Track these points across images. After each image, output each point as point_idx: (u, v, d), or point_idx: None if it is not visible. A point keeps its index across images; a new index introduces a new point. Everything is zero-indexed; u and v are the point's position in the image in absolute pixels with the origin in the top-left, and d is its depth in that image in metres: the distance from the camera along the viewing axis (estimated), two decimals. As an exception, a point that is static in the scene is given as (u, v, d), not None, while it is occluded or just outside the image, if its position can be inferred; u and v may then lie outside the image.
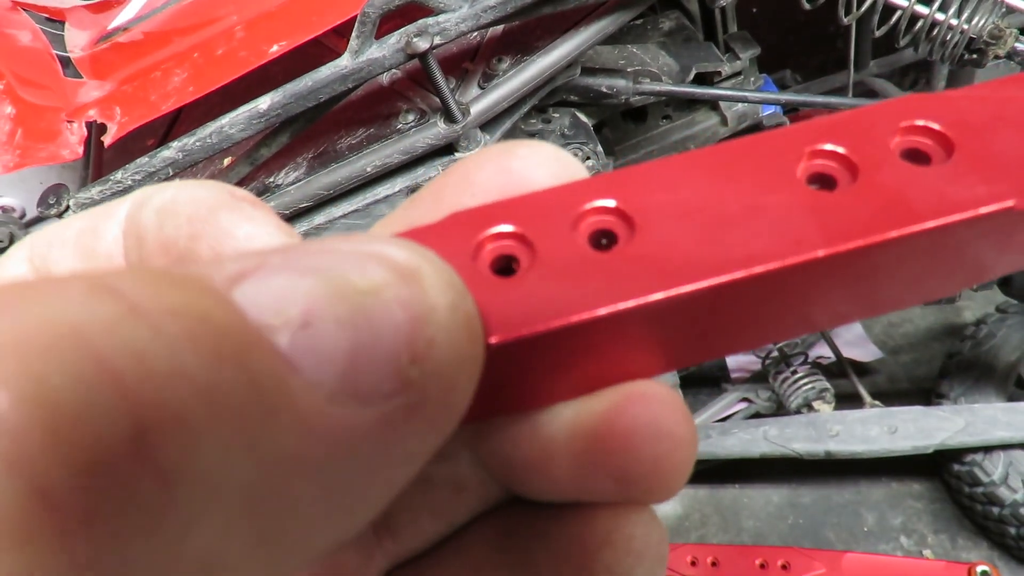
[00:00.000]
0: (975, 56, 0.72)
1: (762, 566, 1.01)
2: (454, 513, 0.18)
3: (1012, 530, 0.99)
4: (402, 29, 0.57)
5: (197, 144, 0.59)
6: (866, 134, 0.16)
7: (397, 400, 0.11)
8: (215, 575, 0.10)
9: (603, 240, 0.16)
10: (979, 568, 0.85)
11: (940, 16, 0.74)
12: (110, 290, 0.09)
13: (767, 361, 1.14)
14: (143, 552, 0.09)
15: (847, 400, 1.13)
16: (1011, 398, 1.06)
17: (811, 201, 0.15)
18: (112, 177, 0.61)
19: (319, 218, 0.65)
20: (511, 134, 0.72)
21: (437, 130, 0.62)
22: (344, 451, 0.11)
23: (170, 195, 0.15)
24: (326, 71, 0.58)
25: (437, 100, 0.62)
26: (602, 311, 0.14)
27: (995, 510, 0.99)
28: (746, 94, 0.82)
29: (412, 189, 0.63)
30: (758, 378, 1.19)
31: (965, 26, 0.73)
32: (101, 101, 0.66)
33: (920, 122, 0.16)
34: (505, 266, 0.16)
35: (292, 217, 0.65)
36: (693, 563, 1.04)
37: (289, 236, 0.15)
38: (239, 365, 0.10)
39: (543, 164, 0.16)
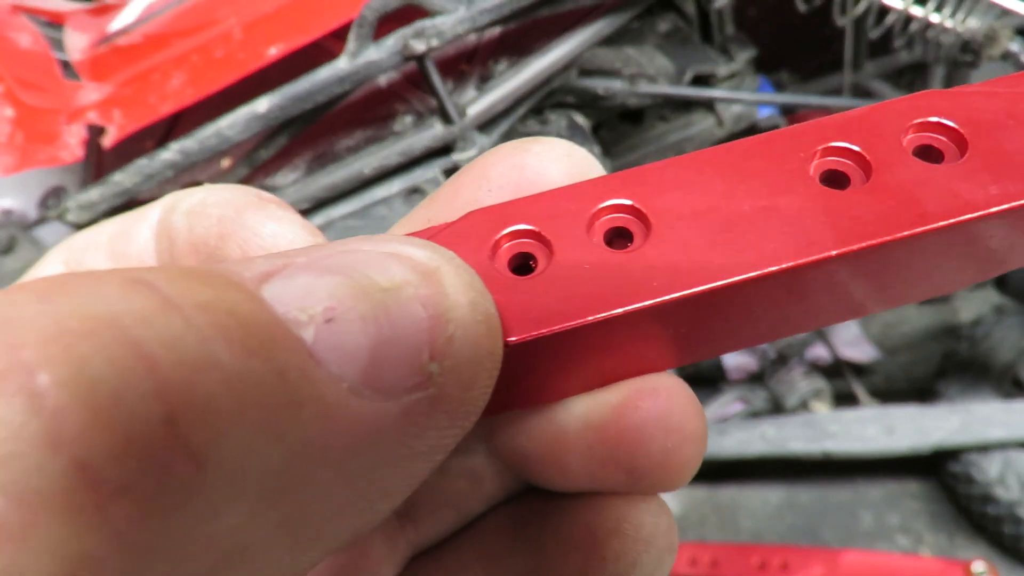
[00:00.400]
0: (970, 58, 0.73)
1: (760, 565, 1.01)
2: (471, 503, 0.19)
3: (1009, 529, 0.99)
4: (399, 31, 0.58)
5: (196, 146, 0.60)
6: (879, 131, 0.16)
7: (418, 395, 0.11)
8: (240, 557, 0.10)
9: (619, 239, 0.16)
10: (976, 566, 0.86)
11: (935, 18, 0.75)
12: (145, 283, 0.10)
13: (764, 362, 1.14)
14: (174, 528, 0.09)
15: (844, 400, 1.14)
16: (1008, 398, 1.06)
17: (824, 201, 0.15)
18: (111, 178, 0.61)
19: (317, 219, 0.66)
20: (508, 136, 0.72)
21: (434, 132, 0.62)
22: (366, 442, 0.11)
23: (199, 198, 0.15)
24: (324, 73, 0.58)
25: (434, 102, 0.62)
26: (619, 311, 0.14)
27: (992, 509, 1.00)
28: (743, 95, 0.82)
29: (410, 191, 0.63)
30: (755, 378, 1.20)
31: (960, 28, 0.73)
32: (100, 103, 0.66)
33: (933, 119, 0.16)
34: (522, 264, 0.16)
35: (290, 218, 0.65)
36: (692, 563, 1.04)
37: (313, 235, 0.15)
38: (266, 357, 0.10)
39: (557, 160, 0.16)
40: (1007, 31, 0.71)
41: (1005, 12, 0.73)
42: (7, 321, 0.09)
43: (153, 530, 0.09)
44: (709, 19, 0.97)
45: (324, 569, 0.18)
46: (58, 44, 0.78)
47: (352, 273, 0.11)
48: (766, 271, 0.15)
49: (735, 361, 1.27)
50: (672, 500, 1.25)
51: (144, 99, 0.65)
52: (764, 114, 0.96)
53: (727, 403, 1.19)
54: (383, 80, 0.69)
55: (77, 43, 0.77)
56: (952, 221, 0.15)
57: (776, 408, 1.15)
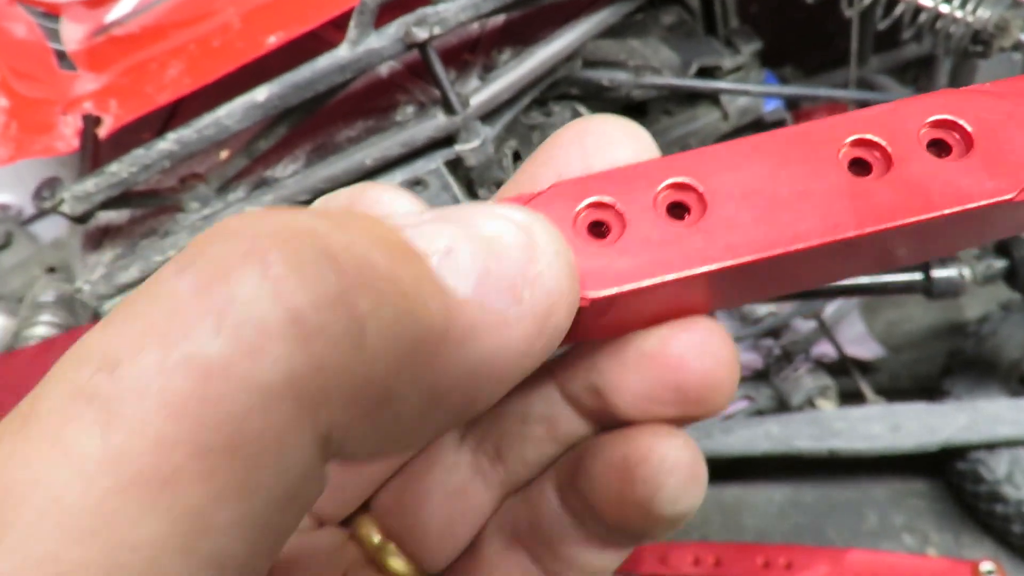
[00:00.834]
0: (980, 48, 0.72)
1: (765, 565, 1.00)
2: (548, 446, 0.23)
3: (1017, 528, 0.98)
4: (401, 19, 0.57)
5: (194, 135, 0.58)
6: (900, 125, 0.19)
7: (514, 311, 0.15)
8: (388, 400, 0.14)
9: (678, 212, 0.19)
10: (984, 566, 0.85)
11: (944, 8, 0.74)
12: (324, 213, 0.14)
13: (769, 359, 1.13)
14: (353, 362, 0.13)
15: (850, 398, 1.12)
16: (1015, 395, 1.05)
17: (849, 186, 0.19)
18: (107, 169, 0.60)
19: (317, 212, 0.64)
20: (512, 127, 0.71)
21: (437, 122, 0.61)
22: (471, 338, 0.15)
23: (331, 195, 0.20)
24: (324, 61, 0.57)
25: (436, 92, 0.61)
26: (677, 275, 0.18)
27: (999, 508, 0.98)
28: (749, 87, 0.81)
29: (412, 182, 0.62)
30: (760, 376, 1.19)
31: (970, 18, 0.72)
32: (96, 93, 0.65)
33: (947, 116, 0.19)
34: (598, 231, 0.19)
35: (290, 210, 0.64)
36: (696, 562, 1.03)
37: (421, 204, 0.19)
38: (406, 266, 0.14)
39: (626, 138, 0.20)
40: (1019, 21, 0.70)
41: (1016, 2, 0.72)
42: (247, 224, 0.13)
43: (334, 361, 0.13)
44: (714, 12, 0.96)
45: (434, 508, 0.23)
46: (54, 35, 0.77)
47: (465, 224, 0.15)
48: (799, 247, 0.18)
49: (740, 359, 1.26)
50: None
51: (141, 89, 0.64)
52: (770, 107, 0.95)
53: (732, 401, 1.18)
54: (384, 70, 0.68)
55: (74, 33, 0.75)
56: (951, 211, 0.18)
57: (781, 406, 1.14)
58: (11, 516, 0.11)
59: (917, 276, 0.76)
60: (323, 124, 0.66)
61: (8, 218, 1.16)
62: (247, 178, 0.66)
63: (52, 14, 0.81)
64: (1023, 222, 0.20)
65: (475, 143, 0.61)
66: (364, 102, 0.66)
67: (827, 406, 1.06)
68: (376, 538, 0.24)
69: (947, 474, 1.08)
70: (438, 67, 0.58)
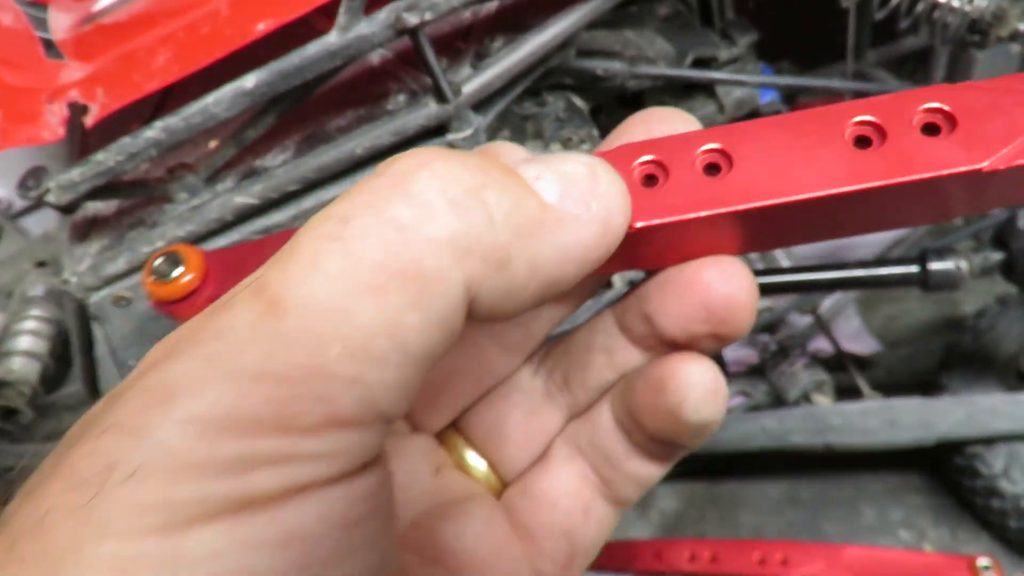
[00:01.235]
0: (977, 38, 0.71)
1: (761, 561, 0.99)
2: (606, 373, 0.28)
3: (1013, 523, 0.97)
4: (391, 4, 0.56)
5: (181, 123, 0.58)
6: (898, 111, 0.23)
7: (587, 214, 0.22)
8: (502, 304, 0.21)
9: (713, 170, 0.24)
10: (980, 561, 0.84)
11: (941, -2, 0.73)
12: (463, 151, 0.22)
13: (765, 354, 1.12)
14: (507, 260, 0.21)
15: (846, 393, 1.12)
16: (1012, 390, 1.05)
17: (850, 156, 0.23)
18: (94, 158, 0.59)
19: (308, 202, 0.63)
20: (505, 117, 0.70)
21: (428, 111, 0.60)
22: (558, 229, 0.21)
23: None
24: (313, 48, 0.56)
25: (428, 80, 0.60)
26: (706, 213, 0.23)
27: (996, 503, 0.98)
28: (744, 78, 0.80)
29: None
30: (756, 371, 1.18)
31: (967, 7, 0.71)
32: (83, 82, 0.64)
33: (937, 105, 0.23)
34: (649, 181, 0.25)
35: (280, 201, 0.63)
36: (691, 558, 1.02)
37: (526, 152, 0.26)
38: (515, 180, 0.21)
39: (679, 121, 0.27)
40: (1016, 10, 0.70)
41: (1014, -8, 0.71)
42: (418, 151, 0.21)
43: (475, 229, 0.20)
44: (710, 4, 0.95)
45: (512, 425, 0.29)
46: (41, 23, 0.76)
47: (548, 163, 0.22)
48: (801, 197, 0.23)
49: (735, 354, 1.25)
50: (672, 495, 1.24)
51: (128, 77, 0.63)
52: (766, 99, 0.95)
53: (729, 397, 1.17)
54: (375, 58, 0.67)
55: (61, 22, 0.74)
56: (928, 175, 0.22)
57: (777, 401, 1.13)
58: (289, 304, 0.18)
59: (913, 269, 0.75)
60: (313, 113, 0.66)
61: (-2, 212, 1.15)
62: (236, 168, 0.65)
63: (39, 3, 0.80)
64: (996, 194, 0.23)
65: (467, 132, 0.60)
66: (355, 91, 0.65)
67: (823, 401, 1.06)
68: (462, 446, 0.30)
69: (944, 469, 1.07)
70: (429, 54, 0.57)
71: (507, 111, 0.69)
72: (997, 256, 0.78)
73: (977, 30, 0.70)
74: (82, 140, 0.64)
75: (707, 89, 0.86)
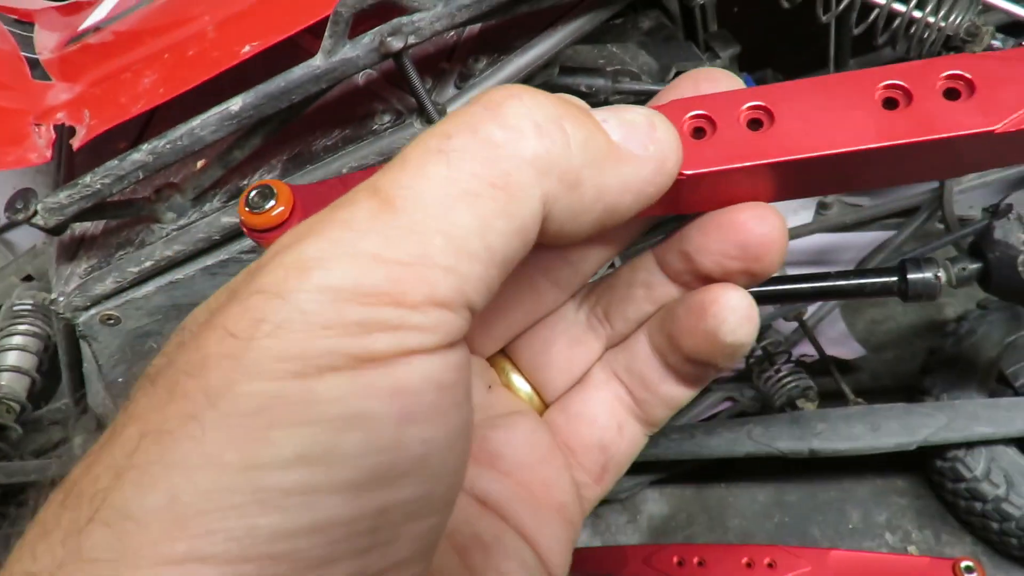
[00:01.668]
0: (953, 54, 0.72)
1: (748, 565, 1.00)
2: (646, 305, 0.31)
3: (995, 525, 0.99)
4: (376, 28, 0.56)
5: (168, 146, 0.58)
6: (924, 77, 0.26)
7: (645, 154, 0.25)
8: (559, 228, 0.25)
9: (755, 125, 0.27)
10: (963, 563, 0.85)
11: (917, 14, 0.75)
12: (550, 94, 0.25)
13: (751, 360, 1.14)
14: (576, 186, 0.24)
15: (831, 398, 1.13)
16: (993, 394, 1.06)
17: (878, 116, 0.26)
18: (81, 180, 0.59)
19: (295, 221, 0.64)
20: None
21: (413, 131, 0.61)
22: (622, 162, 0.25)
23: None
24: (299, 71, 0.57)
25: (413, 100, 0.61)
26: (747, 164, 0.26)
27: (978, 505, 0.99)
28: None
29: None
30: (742, 377, 1.19)
31: (942, 24, 0.73)
32: (69, 103, 0.65)
33: (959, 71, 0.26)
34: (699, 133, 0.27)
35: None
36: (680, 563, 1.03)
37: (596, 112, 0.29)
38: (588, 117, 0.25)
39: (725, 80, 0.29)
40: (990, 27, 0.71)
41: (987, 8, 0.72)
42: (507, 86, 0.24)
43: (554, 152, 0.23)
44: (693, 16, 0.96)
45: (556, 351, 0.33)
46: (28, 43, 0.76)
47: (616, 111, 0.26)
48: (832, 152, 0.26)
49: (722, 360, 1.26)
50: (661, 500, 1.25)
51: (115, 99, 0.63)
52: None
53: (715, 403, 1.19)
54: (361, 78, 0.67)
55: (47, 42, 0.75)
56: (947, 135, 0.25)
57: (764, 407, 1.14)
58: (400, 203, 0.21)
59: (892, 279, 0.76)
60: (299, 133, 0.66)
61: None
62: (223, 188, 0.66)
63: (26, 21, 0.81)
64: (1008, 152, 0.26)
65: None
66: (340, 111, 0.66)
67: (808, 407, 1.07)
68: (510, 369, 0.33)
69: (927, 471, 1.09)
70: (414, 76, 0.58)
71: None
72: (974, 266, 0.80)
73: (952, 46, 0.72)
74: (68, 160, 0.64)
75: (690, 102, 0.87)
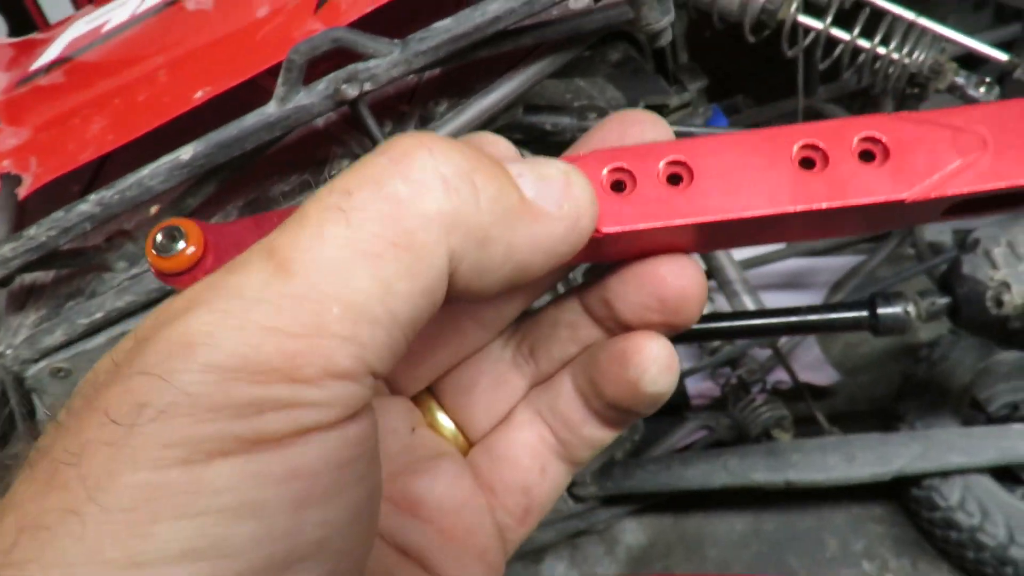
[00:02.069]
0: (917, 91, 0.72)
1: (726, 598, 0.99)
2: (569, 346, 0.31)
3: (970, 554, 0.99)
4: (331, 75, 0.55)
5: (116, 197, 0.56)
6: (840, 137, 0.26)
7: (559, 212, 0.24)
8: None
9: (675, 180, 0.27)
10: (940, 595, 0.85)
11: (882, 50, 0.75)
12: (461, 144, 0.24)
13: (726, 388, 1.13)
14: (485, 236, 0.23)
15: (807, 423, 1.13)
16: (966, 419, 1.06)
17: (795, 176, 0.26)
18: (26, 233, 0.57)
19: (252, 268, 0.62)
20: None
21: (373, 176, 0.59)
22: (534, 220, 0.24)
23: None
24: (251, 119, 0.55)
25: (372, 145, 0.60)
26: (665, 224, 0.26)
27: (953, 535, 0.99)
28: (691, 129, 0.81)
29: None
30: (718, 405, 1.19)
31: (906, 60, 0.73)
32: (16, 150, 0.63)
33: (874, 134, 0.26)
34: (617, 187, 0.27)
35: (223, 268, 0.62)
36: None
37: (518, 154, 0.28)
38: (501, 171, 0.24)
39: (651, 126, 0.29)
40: (953, 64, 0.71)
41: (951, 45, 0.73)
42: (415, 134, 0.23)
43: (462, 208, 0.23)
44: (663, 48, 0.96)
45: (481, 390, 0.32)
46: (-25, 84, 0.73)
47: (531, 165, 0.25)
48: (747, 215, 0.26)
49: (698, 387, 1.25)
50: (639, 530, 1.23)
51: (63, 146, 0.61)
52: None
53: (691, 431, 1.18)
54: (319, 121, 0.66)
55: (-4, 83, 0.72)
56: (858, 202, 0.26)
57: (740, 435, 1.14)
58: (296, 267, 0.20)
59: (863, 313, 0.76)
60: (256, 178, 0.64)
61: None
62: (177, 235, 0.64)
63: (-25, 60, 0.78)
64: (916, 217, 0.27)
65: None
66: (298, 154, 0.64)
67: (783, 437, 1.06)
68: (435, 408, 0.33)
69: (904, 500, 1.09)
70: (371, 123, 0.57)
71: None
72: (943, 301, 0.80)
73: (916, 83, 0.72)
74: (15, 209, 0.62)
75: (659, 135, 0.87)
